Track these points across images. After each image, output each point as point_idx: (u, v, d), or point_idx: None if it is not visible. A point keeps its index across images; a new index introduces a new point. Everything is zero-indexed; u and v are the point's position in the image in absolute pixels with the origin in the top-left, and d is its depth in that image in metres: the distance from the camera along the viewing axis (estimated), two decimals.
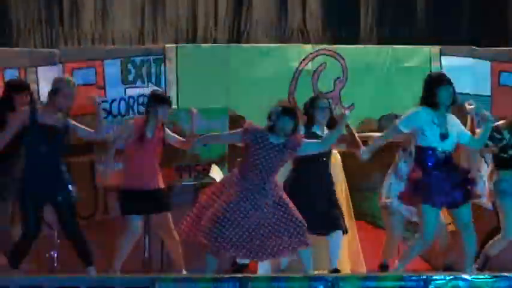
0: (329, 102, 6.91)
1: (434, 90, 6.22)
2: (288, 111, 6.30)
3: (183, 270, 6.74)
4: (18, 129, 6.45)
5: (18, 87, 6.91)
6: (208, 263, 6.29)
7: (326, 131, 6.72)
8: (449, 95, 6.23)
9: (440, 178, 6.18)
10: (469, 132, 6.37)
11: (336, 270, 6.58)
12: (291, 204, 6.29)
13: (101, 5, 8.48)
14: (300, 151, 6.33)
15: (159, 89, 7.33)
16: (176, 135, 6.85)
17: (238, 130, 6.39)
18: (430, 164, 6.20)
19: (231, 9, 8.62)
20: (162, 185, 6.81)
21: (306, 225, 6.24)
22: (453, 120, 6.29)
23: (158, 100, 6.74)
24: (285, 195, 6.32)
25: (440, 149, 6.19)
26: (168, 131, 6.83)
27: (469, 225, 6.26)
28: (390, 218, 7.11)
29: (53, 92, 6.48)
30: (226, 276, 5.96)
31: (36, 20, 8.43)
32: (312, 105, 6.83)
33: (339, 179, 7.12)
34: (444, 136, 6.20)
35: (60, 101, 6.46)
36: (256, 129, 6.30)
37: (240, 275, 6.19)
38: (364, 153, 6.42)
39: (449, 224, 6.88)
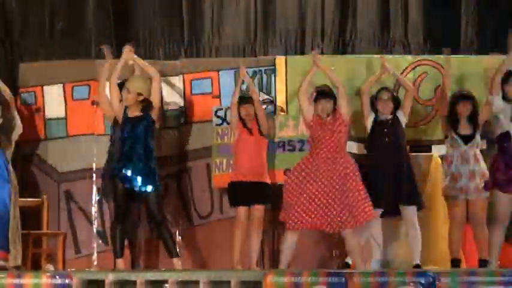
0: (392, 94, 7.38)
1: None
2: (323, 93, 6.90)
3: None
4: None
5: None
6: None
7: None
8: None
9: None
10: None
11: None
12: None
13: (217, 19, 8.66)
14: None
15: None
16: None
17: None
18: None
19: (337, 23, 8.70)
20: (266, 180, 7.31)
21: None
22: None
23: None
24: None
25: None
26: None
27: None
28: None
29: None
30: (333, 271, 6.02)
31: (160, 34, 8.62)
32: (375, 97, 7.40)
33: None
34: None
35: None
36: None
37: (346, 270, 6.33)
38: None
39: None
